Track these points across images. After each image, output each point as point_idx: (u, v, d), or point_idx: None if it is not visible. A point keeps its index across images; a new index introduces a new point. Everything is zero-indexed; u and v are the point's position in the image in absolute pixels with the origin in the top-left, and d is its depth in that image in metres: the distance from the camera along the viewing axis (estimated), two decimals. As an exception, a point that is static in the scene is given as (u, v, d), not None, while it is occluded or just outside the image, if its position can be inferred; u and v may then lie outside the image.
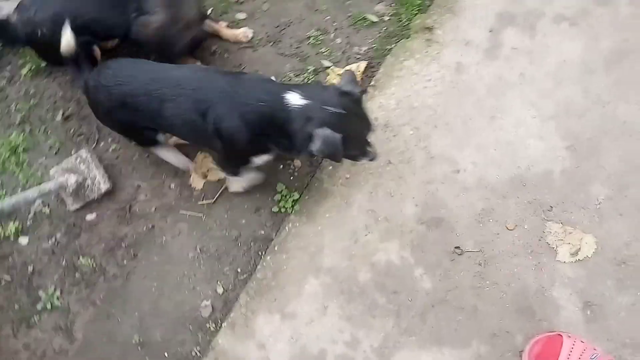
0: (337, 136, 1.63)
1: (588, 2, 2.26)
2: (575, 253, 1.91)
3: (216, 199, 2.24)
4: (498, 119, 2.13)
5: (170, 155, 2.27)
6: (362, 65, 2.32)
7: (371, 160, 1.86)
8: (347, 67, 2.33)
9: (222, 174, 2.23)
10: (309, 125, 1.65)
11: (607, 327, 1.82)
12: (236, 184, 2.18)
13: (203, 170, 2.27)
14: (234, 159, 2.00)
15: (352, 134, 1.70)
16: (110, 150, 2.41)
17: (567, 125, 2.08)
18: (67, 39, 1.96)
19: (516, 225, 1.98)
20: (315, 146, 1.65)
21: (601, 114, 2.08)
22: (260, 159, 1.95)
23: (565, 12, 2.27)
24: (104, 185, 2.29)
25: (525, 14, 2.28)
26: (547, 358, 1.73)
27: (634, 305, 1.82)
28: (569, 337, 1.75)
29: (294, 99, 1.68)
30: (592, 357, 1.67)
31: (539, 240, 1.95)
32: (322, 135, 1.63)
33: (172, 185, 2.32)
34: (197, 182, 2.27)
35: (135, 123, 2.00)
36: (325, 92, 1.71)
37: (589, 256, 1.90)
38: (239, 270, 2.12)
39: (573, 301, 1.87)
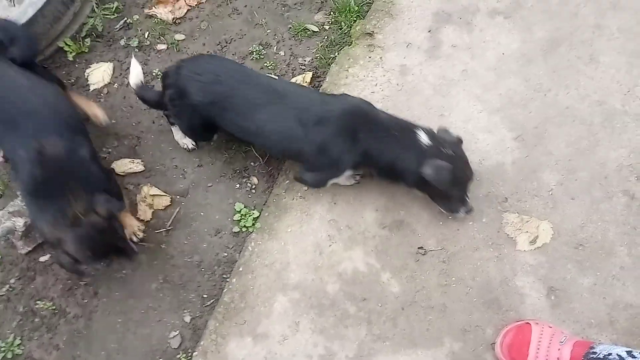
0: (448, 165, 1.80)
1: (520, -5, 2.34)
2: (534, 241, 1.96)
3: (171, 225, 2.19)
4: (446, 116, 2.17)
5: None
6: (308, 76, 2.32)
7: (468, 212, 1.95)
8: (293, 79, 2.32)
9: (167, 201, 2.19)
10: (425, 157, 1.82)
11: (572, 310, 1.87)
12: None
13: (149, 202, 2.22)
14: (320, 176, 2.02)
15: (458, 174, 1.85)
16: (59, 187, 2.31)
17: (512, 116, 2.13)
18: None
19: (475, 220, 2.01)
20: (427, 171, 1.80)
21: (543, 102, 2.14)
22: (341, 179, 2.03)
23: (499, 6, 2.33)
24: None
25: (461, 12, 2.33)
26: (519, 347, 1.76)
27: (595, 285, 1.88)
28: (537, 323, 1.79)
29: (423, 137, 1.84)
30: (562, 340, 1.71)
31: (498, 232, 1.99)
32: (435, 163, 1.80)
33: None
34: (145, 214, 2.21)
35: (214, 122, 2.00)
36: (443, 136, 1.89)
37: (547, 242, 1.95)
38: (205, 296, 2.07)
39: (537, 288, 1.91)
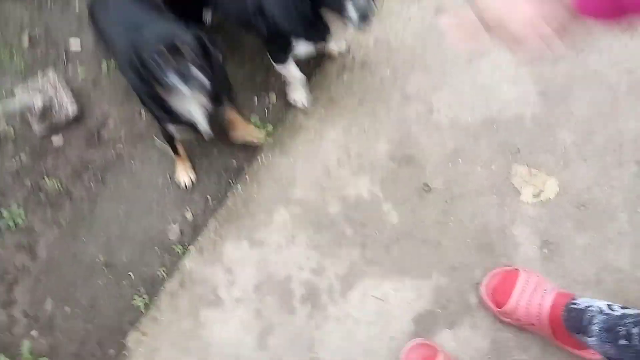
0: None
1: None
2: (538, 195, 1.98)
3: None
4: (475, 62, 2.15)
5: None
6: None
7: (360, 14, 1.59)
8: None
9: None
10: None
11: (562, 265, 1.90)
12: (296, 90, 2.13)
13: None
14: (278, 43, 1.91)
15: None
16: (79, 74, 2.34)
17: (540, 71, 2.11)
18: None
19: (484, 166, 2.03)
20: None
21: (573, 62, 2.12)
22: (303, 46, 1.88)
23: (548, -39, 2.28)
24: (71, 109, 2.23)
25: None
26: (503, 290, 1.80)
27: (589, 245, 1.91)
28: (525, 271, 1.82)
29: None
30: (546, 289, 1.75)
31: (505, 180, 2.01)
32: None
33: (142, 112, 2.27)
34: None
35: None
36: None
37: (551, 198, 1.97)
38: (209, 197, 2.11)
39: (532, 240, 1.94)
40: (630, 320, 1.43)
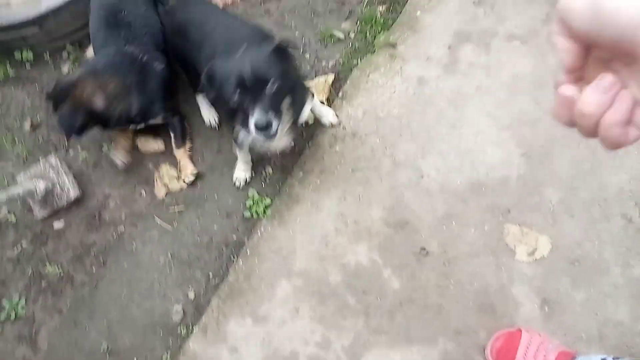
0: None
1: (537, 23, 2.46)
2: (532, 253, 2.03)
3: (185, 204, 2.27)
4: (458, 128, 2.27)
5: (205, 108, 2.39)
6: (330, 78, 2.43)
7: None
8: (316, 79, 2.43)
9: (184, 184, 2.27)
10: None
11: (563, 322, 1.93)
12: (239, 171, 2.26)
13: (165, 181, 2.31)
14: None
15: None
16: (80, 157, 2.41)
17: (521, 133, 2.23)
18: None
19: (477, 227, 2.09)
20: None
21: (551, 123, 2.23)
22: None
23: (516, 31, 2.45)
24: (73, 192, 2.29)
25: (480, 33, 2.45)
26: (507, 351, 1.82)
27: (588, 301, 1.95)
28: (528, 331, 1.85)
29: None
30: (548, 349, 1.77)
31: (498, 241, 2.07)
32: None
33: (143, 193, 2.34)
34: (159, 191, 2.30)
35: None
36: None
37: (545, 255, 2.02)
38: (210, 274, 2.14)
39: (531, 298, 1.97)
40: None
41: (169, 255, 2.19)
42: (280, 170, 2.29)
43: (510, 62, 2.38)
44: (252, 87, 1.57)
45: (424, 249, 2.08)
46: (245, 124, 1.62)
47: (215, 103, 1.93)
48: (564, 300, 1.96)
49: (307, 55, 2.55)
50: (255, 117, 1.57)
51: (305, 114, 1.99)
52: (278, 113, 1.63)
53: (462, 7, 2.52)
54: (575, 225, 2.06)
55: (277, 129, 1.61)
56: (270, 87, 1.59)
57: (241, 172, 2.26)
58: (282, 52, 1.70)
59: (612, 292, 1.95)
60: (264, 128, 1.57)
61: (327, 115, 2.29)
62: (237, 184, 2.28)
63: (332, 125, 2.32)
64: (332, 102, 2.38)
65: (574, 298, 1.96)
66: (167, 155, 2.36)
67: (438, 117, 2.30)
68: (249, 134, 1.64)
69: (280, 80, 1.61)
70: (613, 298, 1.95)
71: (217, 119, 2.38)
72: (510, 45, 2.42)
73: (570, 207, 2.09)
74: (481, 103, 2.31)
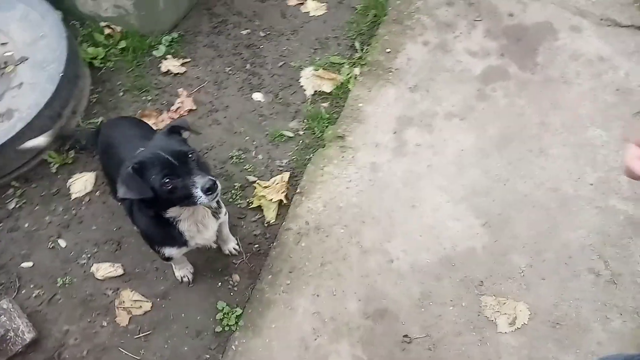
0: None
1: (470, 99, 2.63)
2: (513, 322, 2.01)
3: (150, 329, 2.14)
4: (417, 207, 2.31)
5: None
6: (286, 175, 2.46)
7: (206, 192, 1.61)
8: (272, 179, 2.46)
9: (147, 306, 2.17)
10: None
11: (558, 389, 1.88)
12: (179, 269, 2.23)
13: (126, 306, 2.20)
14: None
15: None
16: (33, 296, 2.27)
17: (477, 204, 2.29)
18: None
19: (455, 304, 2.07)
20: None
21: (504, 190, 2.32)
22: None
23: (454, 109, 2.61)
24: (28, 335, 2.12)
25: (421, 115, 2.59)
26: None
27: (576, 362, 1.92)
28: None
29: None
30: None
31: (478, 315, 2.04)
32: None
33: (105, 323, 2.20)
34: (122, 319, 2.18)
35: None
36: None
37: (526, 323, 2.01)
38: (187, 402, 1.98)
39: (522, 369, 1.93)
40: None
41: (140, 387, 2.03)
42: (247, 277, 2.23)
43: (453, 139, 2.50)
44: (179, 164, 1.60)
45: (406, 336, 2.02)
46: (188, 199, 1.61)
47: (140, 207, 1.83)
48: (554, 366, 1.93)
49: (260, 157, 2.59)
50: (199, 182, 1.58)
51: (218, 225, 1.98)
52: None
53: (399, 94, 2.68)
54: (548, 287, 2.08)
55: (219, 189, 1.63)
56: (192, 157, 1.64)
57: (182, 270, 2.23)
58: (178, 132, 1.76)
59: (597, 349, 1.94)
60: (212, 189, 1.58)
61: (231, 242, 2.29)
62: (186, 280, 2.23)
63: (231, 254, 2.29)
64: (291, 199, 2.40)
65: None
66: (126, 279, 2.26)
67: (396, 198, 2.34)
68: (200, 199, 1.60)
69: (195, 151, 1.67)
70: (599, 355, 1.92)
71: (191, 276, 2.26)
72: (451, 123, 2.56)
73: (539, 270, 2.12)
74: (434, 180, 2.38)
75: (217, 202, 1.92)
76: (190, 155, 1.62)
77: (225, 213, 2.04)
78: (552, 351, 1.95)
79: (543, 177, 2.35)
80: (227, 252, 2.30)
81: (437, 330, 2.02)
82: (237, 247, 2.31)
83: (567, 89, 2.64)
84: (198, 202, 1.60)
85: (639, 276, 2.07)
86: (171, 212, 1.72)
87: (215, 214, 1.90)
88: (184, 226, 1.79)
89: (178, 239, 1.84)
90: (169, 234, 1.82)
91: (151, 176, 1.58)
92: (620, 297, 2.03)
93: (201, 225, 1.84)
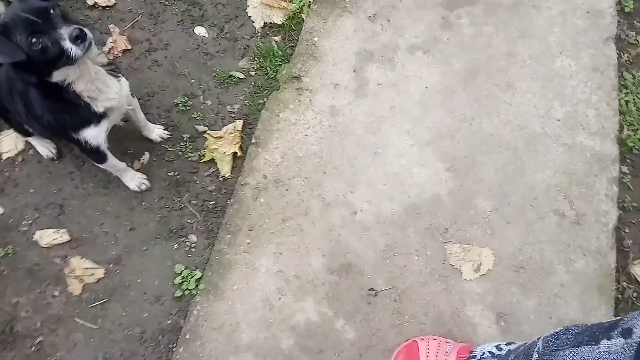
0: None
1: (435, 29, 2.43)
2: (478, 269, 2.00)
3: (106, 297, 2.04)
4: (380, 153, 2.19)
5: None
6: (239, 124, 2.27)
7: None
8: (224, 128, 2.27)
9: (101, 273, 2.05)
10: None
11: (522, 333, 1.91)
12: (129, 179, 2.17)
13: (78, 274, 2.07)
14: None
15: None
16: (-25, 269, 2.10)
17: (442, 147, 2.19)
18: None
19: (420, 254, 2.03)
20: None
21: (469, 131, 2.22)
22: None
23: (417, 41, 2.41)
24: (-28, 314, 1.99)
25: (382, 49, 2.38)
26: None
27: (540, 306, 1.94)
28: (422, 339, 1.84)
29: None
30: (447, 351, 1.77)
31: (443, 263, 2.02)
32: None
33: (56, 293, 2.08)
34: (74, 288, 2.06)
35: None
36: None
37: (490, 269, 2.00)
38: (151, 371, 1.93)
39: (486, 315, 1.94)
40: (513, 355, 1.47)
41: (100, 358, 1.96)
42: (205, 237, 2.11)
43: (417, 75, 2.33)
44: (42, 21, 1.52)
45: (372, 289, 1.99)
46: (62, 55, 1.54)
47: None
48: (517, 310, 1.95)
49: (209, 102, 2.37)
50: (65, 33, 1.51)
51: (126, 92, 1.94)
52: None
53: (358, 25, 2.45)
54: (513, 231, 2.05)
55: (91, 37, 1.58)
56: (55, 12, 1.56)
57: (132, 179, 2.17)
58: None
59: (560, 291, 1.96)
60: (80, 37, 1.52)
61: (155, 128, 2.25)
62: (144, 187, 2.18)
63: (163, 140, 2.26)
64: (247, 150, 2.23)
65: (527, 306, 1.95)
66: (74, 246, 2.11)
67: (358, 145, 2.21)
68: (71, 52, 1.54)
69: (56, 3, 1.59)
70: (563, 297, 1.95)
71: (54, 149, 2.24)
72: (414, 57, 2.37)
73: (505, 214, 2.08)
74: (398, 123, 2.24)
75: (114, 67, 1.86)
76: (52, 10, 1.54)
77: (126, 82, 1.95)
78: (515, 295, 1.96)
79: (510, 114, 2.25)
80: (157, 139, 2.25)
81: (403, 281, 2.00)
82: (165, 132, 2.25)
83: (536, 14, 2.46)
84: (73, 56, 1.54)
85: (603, 215, 2.06)
86: (57, 76, 1.64)
87: (112, 72, 1.83)
88: (80, 87, 1.71)
89: (85, 112, 1.78)
90: (73, 110, 1.77)
91: (16, 39, 1.50)
92: (584, 237, 2.03)
93: (99, 83, 1.77)
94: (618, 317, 1.21)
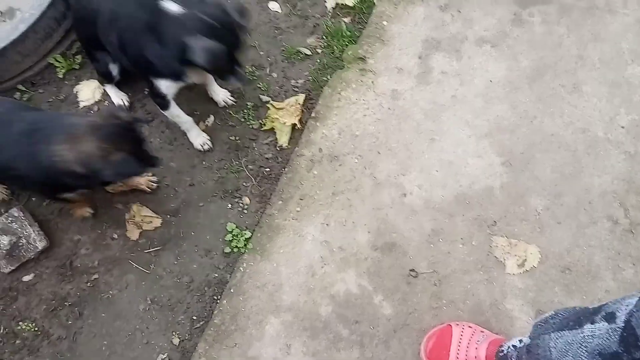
0: (218, 45, 1.68)
1: (505, 24, 2.42)
2: (522, 264, 2.00)
3: (161, 244, 2.17)
4: (437, 140, 2.21)
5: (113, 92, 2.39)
6: (301, 98, 2.34)
7: (241, 83, 1.97)
8: (286, 101, 2.35)
9: (158, 222, 2.17)
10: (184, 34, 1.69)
11: (559, 332, 1.90)
12: (195, 135, 2.26)
13: (137, 220, 2.20)
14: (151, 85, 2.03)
15: (227, 50, 1.73)
16: (44, 204, 2.27)
17: (500, 141, 2.19)
18: None
19: (465, 243, 2.05)
20: (196, 58, 1.69)
21: (530, 128, 2.21)
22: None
23: (486, 34, 2.41)
24: (40, 243, 2.15)
25: (449, 39, 2.40)
26: (440, 349, 1.81)
27: (581, 308, 1.92)
28: (457, 324, 1.85)
29: (173, 7, 1.72)
30: (479, 340, 1.78)
31: (487, 255, 2.03)
32: (201, 45, 1.67)
33: (115, 235, 2.22)
34: (132, 233, 2.19)
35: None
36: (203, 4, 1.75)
37: (535, 266, 1.99)
38: (194, 318, 2.04)
39: (525, 311, 1.94)
40: (526, 346, 1.48)
41: (149, 300, 2.08)
42: (257, 200, 2.20)
43: (483, 68, 2.34)
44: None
45: (413, 270, 2.02)
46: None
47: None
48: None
49: (275, 75, 2.45)
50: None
51: None
52: None
53: (428, 13, 2.47)
54: (562, 232, 2.04)
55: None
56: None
57: (199, 136, 2.26)
58: None
59: (605, 297, 1.94)
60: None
61: (221, 92, 2.34)
62: (206, 147, 2.28)
63: (227, 105, 2.34)
64: (306, 123, 2.30)
65: (568, 306, 1.93)
66: (137, 194, 2.24)
67: (416, 130, 2.24)
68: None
69: None
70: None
71: (127, 101, 2.39)
72: (481, 50, 2.38)
73: (556, 213, 2.06)
74: (458, 112, 2.26)
75: None
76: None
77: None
78: (558, 295, 1.95)
79: (573, 116, 2.22)
80: (222, 103, 2.34)
81: (445, 267, 2.02)
82: (230, 98, 2.35)
83: (611, 19, 2.41)
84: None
85: (658, 227, 2.02)
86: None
87: None
88: None
89: (172, 64, 1.84)
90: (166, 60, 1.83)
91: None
92: (636, 247, 1.99)
93: None
94: (603, 303, 1.21)
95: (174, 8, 1.70)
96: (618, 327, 1.10)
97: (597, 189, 2.09)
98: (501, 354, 1.70)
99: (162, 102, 2.09)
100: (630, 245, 2.00)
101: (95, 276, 2.16)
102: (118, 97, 2.38)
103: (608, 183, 2.09)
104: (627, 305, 1.10)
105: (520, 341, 1.65)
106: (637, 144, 2.16)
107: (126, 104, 2.39)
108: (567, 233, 2.03)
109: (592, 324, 1.17)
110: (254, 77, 2.43)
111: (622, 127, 2.20)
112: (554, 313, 1.38)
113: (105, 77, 2.32)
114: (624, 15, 2.42)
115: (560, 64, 2.33)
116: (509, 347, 1.69)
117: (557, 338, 1.26)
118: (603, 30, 2.39)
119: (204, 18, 1.67)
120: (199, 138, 2.26)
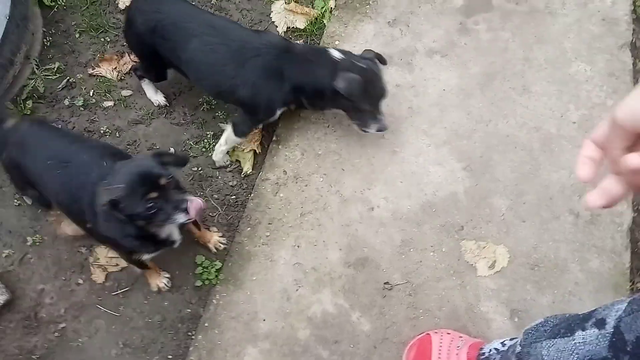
0: (357, 76, 1.97)
1: (452, 34, 2.49)
2: (493, 265, 2.03)
3: (132, 286, 2.11)
4: (398, 152, 2.24)
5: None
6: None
7: (380, 129, 2.12)
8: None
9: (124, 263, 2.11)
10: (337, 70, 1.99)
11: (536, 329, 1.92)
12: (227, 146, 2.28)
13: (102, 263, 2.14)
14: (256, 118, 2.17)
15: (369, 87, 2.02)
16: (4, 256, 2.19)
17: (459, 147, 2.23)
18: None
19: (435, 250, 2.06)
20: (339, 84, 1.96)
21: (486, 132, 2.26)
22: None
23: (435, 45, 2.47)
24: (1, 297, 2.06)
25: (400, 53, 2.45)
26: (423, 358, 1.81)
27: (554, 303, 1.96)
28: (436, 332, 1.86)
29: (335, 53, 2.05)
30: (459, 345, 1.79)
31: (458, 260, 2.05)
32: (345, 76, 1.97)
33: (80, 280, 2.15)
34: (98, 276, 2.13)
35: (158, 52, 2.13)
36: (355, 55, 2.09)
37: (505, 266, 2.02)
38: (170, 357, 1.98)
39: (500, 311, 1.96)
40: (511, 350, 1.49)
41: (121, 344, 2.01)
42: (225, 229, 2.18)
43: (435, 78, 2.39)
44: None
45: (387, 283, 2.02)
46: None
47: None
48: (532, 307, 1.96)
49: (232, 102, 2.45)
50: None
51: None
52: None
53: (378, 29, 2.52)
54: (527, 230, 2.08)
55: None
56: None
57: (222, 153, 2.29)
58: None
59: (575, 289, 1.98)
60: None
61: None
62: (226, 161, 2.32)
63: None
64: (268, 147, 2.30)
65: (541, 303, 1.97)
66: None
67: (377, 144, 2.26)
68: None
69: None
70: (577, 295, 1.97)
71: (164, 99, 2.42)
72: (432, 61, 2.44)
73: (520, 212, 2.11)
74: (415, 123, 2.30)
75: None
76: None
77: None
78: (530, 292, 1.98)
79: (526, 116, 2.29)
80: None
81: (418, 276, 2.03)
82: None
83: (552, 21, 2.51)
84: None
85: (617, 216, 2.08)
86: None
87: None
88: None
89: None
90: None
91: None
92: (599, 237, 2.05)
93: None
94: (593, 309, 1.22)
95: (336, 54, 2.04)
96: (607, 333, 1.10)
97: (556, 184, 2.14)
98: (482, 357, 1.71)
99: (247, 132, 2.20)
100: (593, 236, 2.05)
101: (63, 325, 2.09)
102: (155, 96, 2.41)
103: (566, 177, 2.15)
104: (617, 311, 1.11)
105: (503, 344, 1.65)
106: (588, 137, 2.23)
107: (162, 103, 2.41)
108: (532, 230, 2.07)
109: (583, 330, 1.16)
110: (212, 107, 2.42)
111: (574, 123, 2.27)
112: (543, 320, 1.38)
113: (157, 78, 2.34)
114: (564, 16, 2.52)
115: (508, 67, 2.41)
116: (490, 350, 1.70)
117: (549, 346, 1.25)
118: (545, 32, 2.49)
119: (356, 62, 2.02)
120: None
